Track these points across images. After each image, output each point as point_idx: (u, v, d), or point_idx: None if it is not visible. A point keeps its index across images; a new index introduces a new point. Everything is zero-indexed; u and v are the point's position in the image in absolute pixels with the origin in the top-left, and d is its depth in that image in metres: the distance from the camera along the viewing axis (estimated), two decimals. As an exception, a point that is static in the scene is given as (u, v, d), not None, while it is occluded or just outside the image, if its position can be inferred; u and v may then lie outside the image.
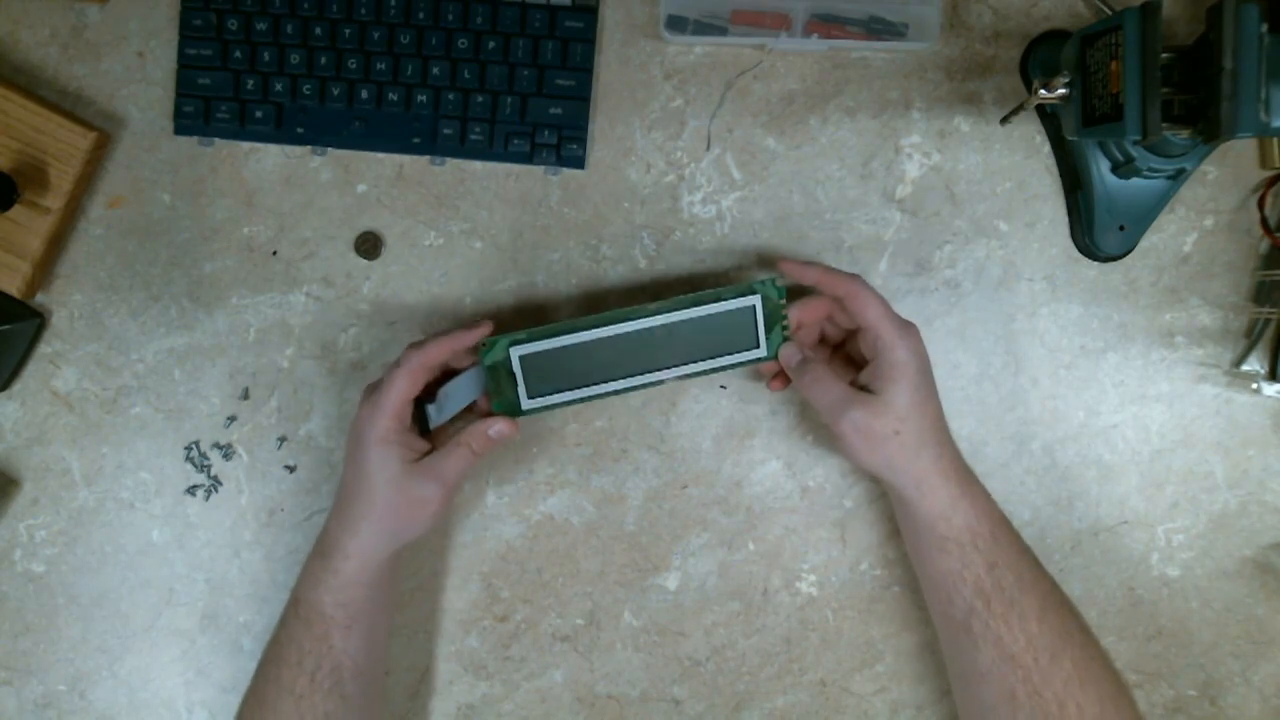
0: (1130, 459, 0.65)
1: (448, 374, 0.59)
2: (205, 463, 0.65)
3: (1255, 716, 0.65)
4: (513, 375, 0.57)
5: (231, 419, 0.65)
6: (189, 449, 0.65)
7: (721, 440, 0.65)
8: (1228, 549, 0.65)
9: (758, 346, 0.58)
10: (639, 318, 0.57)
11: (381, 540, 0.56)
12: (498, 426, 0.57)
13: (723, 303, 0.57)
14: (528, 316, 0.65)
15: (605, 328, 0.57)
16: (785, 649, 0.66)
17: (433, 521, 0.57)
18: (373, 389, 0.57)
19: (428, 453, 0.56)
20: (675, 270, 0.65)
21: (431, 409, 0.58)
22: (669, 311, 0.57)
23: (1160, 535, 0.65)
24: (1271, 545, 0.65)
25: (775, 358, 0.59)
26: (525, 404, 0.58)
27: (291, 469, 0.66)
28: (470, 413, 0.60)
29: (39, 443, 0.65)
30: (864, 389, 0.56)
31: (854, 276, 0.56)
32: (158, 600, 0.65)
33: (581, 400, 0.58)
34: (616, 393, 0.58)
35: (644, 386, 0.58)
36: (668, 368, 0.58)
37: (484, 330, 0.56)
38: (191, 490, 0.65)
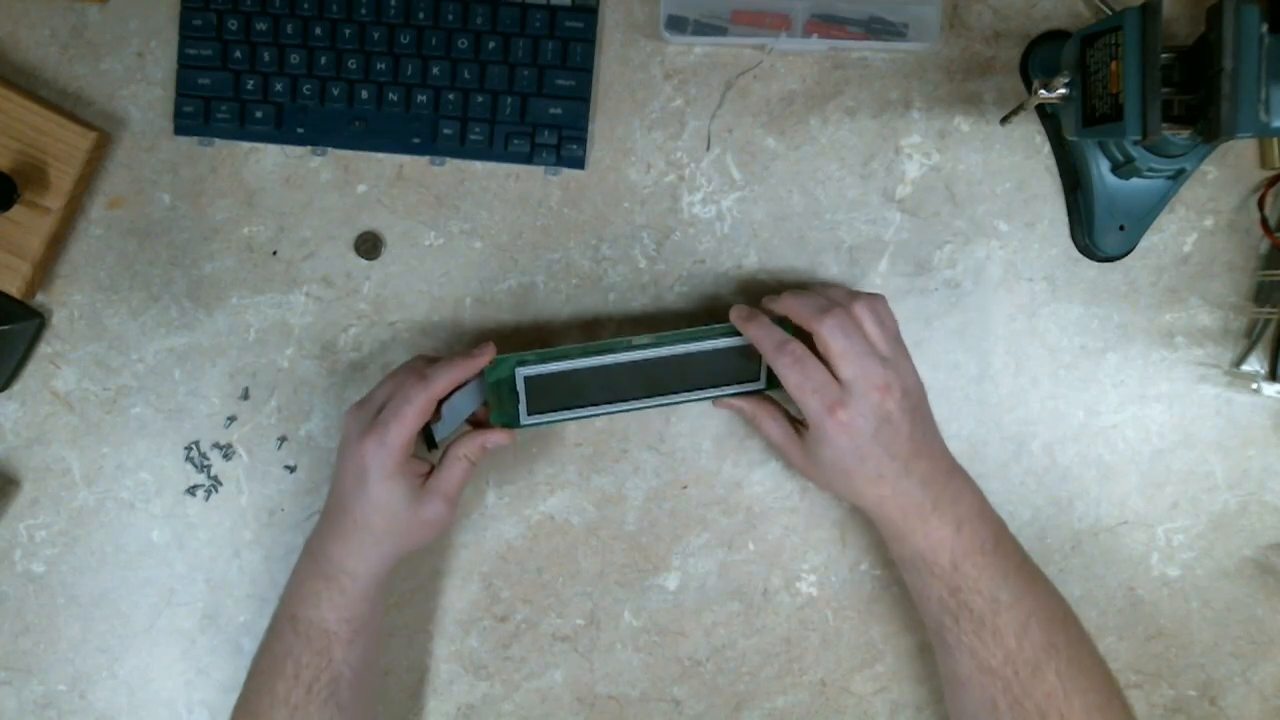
0: (1130, 459, 0.65)
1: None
2: (205, 463, 0.65)
3: (1255, 716, 0.65)
4: (515, 393, 0.58)
5: (231, 419, 0.65)
6: (189, 449, 0.65)
7: (721, 440, 0.65)
8: (1228, 549, 0.65)
9: (757, 380, 0.60)
10: (647, 348, 0.57)
11: (389, 558, 0.57)
12: (495, 438, 0.58)
13: (732, 338, 0.58)
14: (526, 319, 0.65)
15: (612, 354, 0.57)
16: (785, 649, 0.66)
17: (441, 534, 0.58)
18: (366, 410, 0.55)
19: (429, 471, 0.57)
20: (675, 270, 0.65)
21: (436, 427, 0.58)
22: (679, 343, 0.58)
23: (1160, 535, 0.65)
24: (1271, 545, 0.65)
25: (771, 389, 0.60)
26: (525, 419, 0.59)
27: (291, 469, 0.66)
28: (467, 421, 0.60)
29: (39, 443, 0.65)
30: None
31: (785, 342, 0.54)
32: (158, 600, 0.65)
33: (578, 419, 0.60)
34: (613, 414, 0.60)
35: (640, 409, 0.60)
36: (668, 394, 0.59)
37: (488, 357, 0.56)
38: (191, 490, 0.65)
